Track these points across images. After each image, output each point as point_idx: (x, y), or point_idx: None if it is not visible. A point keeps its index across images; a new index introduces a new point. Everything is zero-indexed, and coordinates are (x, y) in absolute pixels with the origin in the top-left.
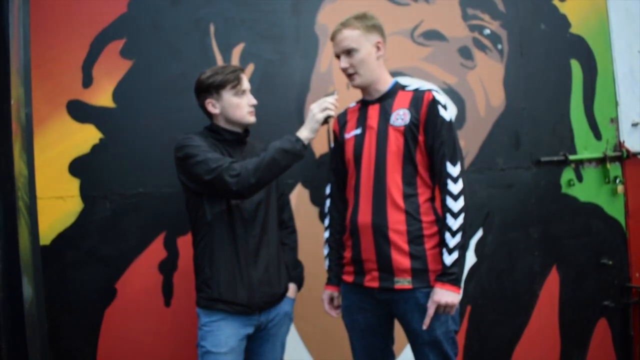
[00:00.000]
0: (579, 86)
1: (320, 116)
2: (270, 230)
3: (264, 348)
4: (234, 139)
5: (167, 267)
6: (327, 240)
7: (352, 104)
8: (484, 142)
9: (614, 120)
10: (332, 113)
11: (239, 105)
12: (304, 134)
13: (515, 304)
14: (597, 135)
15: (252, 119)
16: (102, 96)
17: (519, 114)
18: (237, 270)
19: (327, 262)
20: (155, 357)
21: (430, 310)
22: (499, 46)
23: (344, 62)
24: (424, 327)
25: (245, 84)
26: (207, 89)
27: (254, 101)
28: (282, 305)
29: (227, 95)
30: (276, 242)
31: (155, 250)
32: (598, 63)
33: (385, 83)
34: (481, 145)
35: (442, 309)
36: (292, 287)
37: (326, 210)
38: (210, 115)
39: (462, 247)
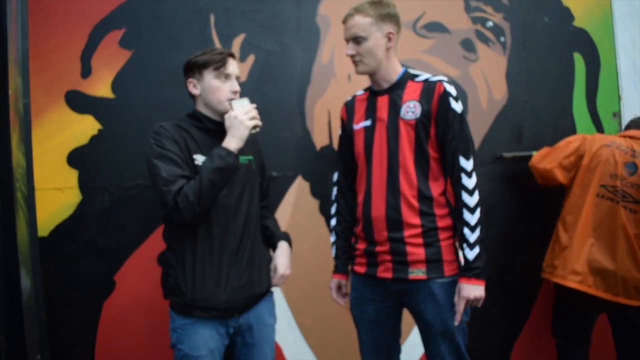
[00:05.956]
0: (582, 80)
1: (250, 124)
2: (253, 227)
3: (253, 354)
4: (216, 128)
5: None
6: (334, 229)
7: (360, 92)
8: (486, 135)
9: (617, 115)
10: (259, 122)
11: (219, 89)
12: (233, 145)
13: (516, 298)
14: (600, 130)
15: (228, 107)
16: (100, 87)
17: (521, 108)
18: (215, 272)
19: (333, 250)
20: (154, 350)
21: (460, 307)
22: (502, 39)
23: (351, 49)
24: (456, 323)
25: (232, 68)
26: (191, 68)
27: (236, 87)
28: (262, 304)
29: (209, 76)
30: (258, 240)
31: (154, 242)
32: (601, 57)
33: (395, 73)
34: (483, 138)
35: (470, 303)
36: (283, 244)
37: (333, 197)
38: (193, 99)
39: (482, 241)
